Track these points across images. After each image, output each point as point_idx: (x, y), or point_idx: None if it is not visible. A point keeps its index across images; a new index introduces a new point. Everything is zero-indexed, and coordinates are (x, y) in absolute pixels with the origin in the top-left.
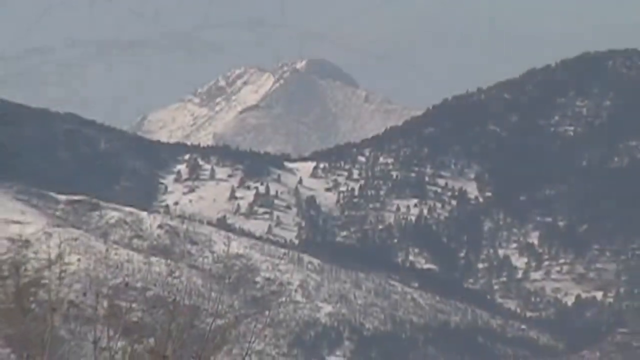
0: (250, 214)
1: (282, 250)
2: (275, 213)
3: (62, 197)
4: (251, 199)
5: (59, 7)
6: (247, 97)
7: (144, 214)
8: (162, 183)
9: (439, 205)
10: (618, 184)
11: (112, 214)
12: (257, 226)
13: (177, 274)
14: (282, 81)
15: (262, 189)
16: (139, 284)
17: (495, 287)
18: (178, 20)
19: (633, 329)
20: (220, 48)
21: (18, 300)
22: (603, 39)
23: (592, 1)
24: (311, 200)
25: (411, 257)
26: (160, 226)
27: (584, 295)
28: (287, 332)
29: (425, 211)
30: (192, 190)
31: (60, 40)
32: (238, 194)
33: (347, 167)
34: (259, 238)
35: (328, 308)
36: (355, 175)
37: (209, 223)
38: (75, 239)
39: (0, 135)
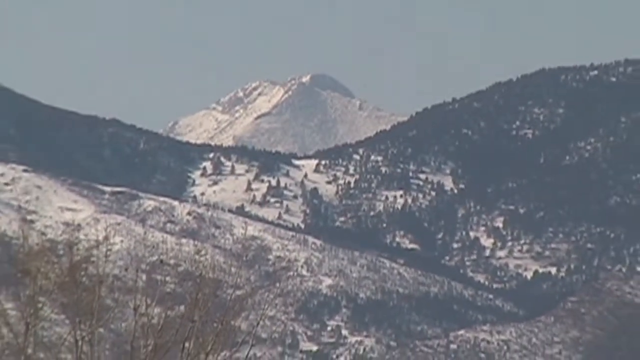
0: (263, 202)
1: (290, 233)
2: (285, 202)
3: (108, 189)
4: (264, 190)
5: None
6: (261, 106)
7: (175, 203)
8: (190, 177)
9: (420, 195)
10: (569, 178)
11: (149, 203)
12: (270, 213)
13: (203, 252)
14: (290, 92)
15: (273, 182)
16: (171, 261)
17: (467, 263)
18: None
19: (581, 298)
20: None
21: (71, 274)
22: (557, 56)
23: (549, 24)
24: (314, 191)
25: (397, 239)
26: (189, 213)
27: (540, 270)
28: (294, 300)
29: (409, 200)
30: (215, 183)
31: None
32: (254, 186)
33: (344, 163)
34: (271, 223)
35: (328, 281)
36: (351, 171)
37: (230, 210)
38: (119, 224)
39: (56, 138)
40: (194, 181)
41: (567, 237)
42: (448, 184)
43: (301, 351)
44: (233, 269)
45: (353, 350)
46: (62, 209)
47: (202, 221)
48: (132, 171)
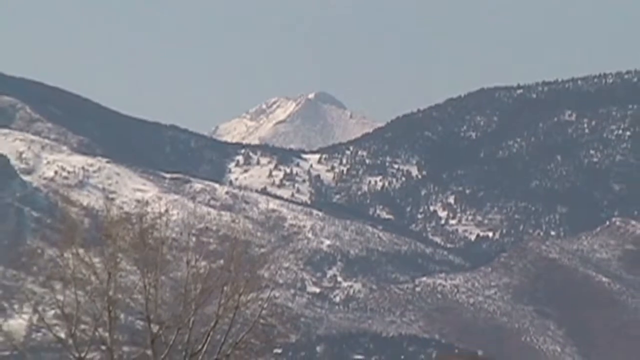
0: (281, 185)
1: (300, 207)
2: (296, 185)
3: (167, 175)
4: (281, 176)
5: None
6: (279, 115)
7: (217, 185)
8: (227, 167)
9: (394, 180)
10: (502, 167)
11: (197, 185)
12: (285, 192)
13: (236, 221)
14: (300, 105)
15: (288, 170)
16: (214, 228)
17: (428, 229)
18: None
19: (511, 254)
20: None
21: (141, 237)
22: (493, 78)
23: (490, 49)
24: (317, 177)
25: (378, 211)
26: (226, 192)
27: (481, 234)
28: (303, 256)
29: (386, 183)
30: (246, 171)
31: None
32: (273, 174)
33: (339, 157)
34: (286, 200)
35: (327, 242)
36: (344, 162)
37: (256, 191)
38: (175, 200)
39: (130, 138)
40: (230, 170)
41: (500, 210)
42: (414, 171)
43: (308, 293)
44: (259, 233)
45: (345, 292)
46: (134, 190)
47: (236, 198)
48: (185, 162)
